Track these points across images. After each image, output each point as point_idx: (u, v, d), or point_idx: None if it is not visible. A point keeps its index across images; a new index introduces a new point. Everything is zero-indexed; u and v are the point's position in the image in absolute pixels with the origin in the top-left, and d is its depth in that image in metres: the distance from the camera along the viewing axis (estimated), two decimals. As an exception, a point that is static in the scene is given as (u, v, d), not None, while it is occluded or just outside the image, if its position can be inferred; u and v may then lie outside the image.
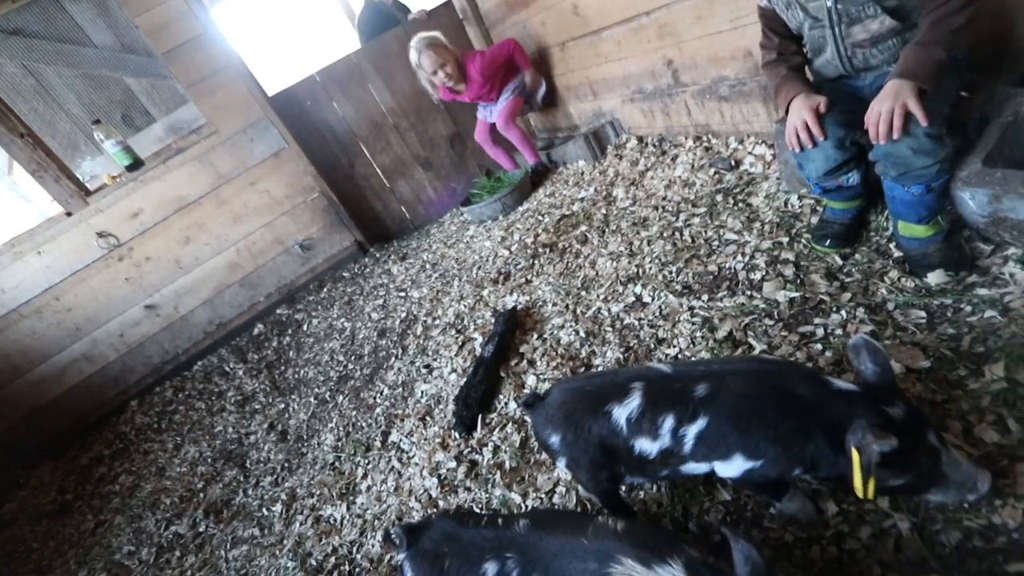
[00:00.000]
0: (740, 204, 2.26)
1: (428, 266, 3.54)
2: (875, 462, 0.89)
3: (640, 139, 3.41)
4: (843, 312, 1.55)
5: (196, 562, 2.28)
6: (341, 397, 2.76)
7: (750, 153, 2.54)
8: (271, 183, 3.90)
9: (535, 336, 2.22)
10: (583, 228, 2.81)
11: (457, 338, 2.54)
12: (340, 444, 2.44)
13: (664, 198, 2.63)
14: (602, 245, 2.57)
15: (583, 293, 2.32)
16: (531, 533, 1.12)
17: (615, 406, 1.16)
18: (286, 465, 2.58)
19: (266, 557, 2.07)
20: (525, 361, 2.13)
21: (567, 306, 2.29)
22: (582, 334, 2.06)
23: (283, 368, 3.43)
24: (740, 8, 2.28)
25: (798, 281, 1.73)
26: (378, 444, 2.26)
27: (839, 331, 1.50)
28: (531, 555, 1.06)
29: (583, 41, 3.39)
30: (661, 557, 0.89)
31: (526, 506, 1.56)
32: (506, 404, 1.97)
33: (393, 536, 1.20)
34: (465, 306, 2.77)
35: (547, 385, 1.93)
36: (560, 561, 1.01)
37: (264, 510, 2.35)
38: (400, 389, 2.50)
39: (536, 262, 2.78)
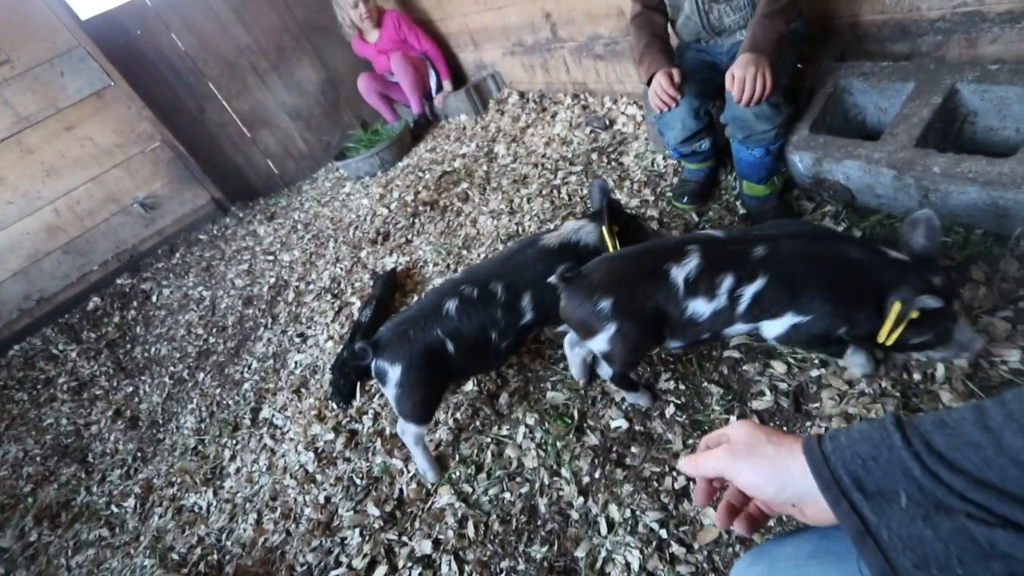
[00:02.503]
0: (613, 163, 2.34)
1: (300, 226, 3.25)
2: (910, 317, 0.97)
3: (522, 95, 3.37)
4: (697, 265, 1.69)
5: (28, 576, 1.97)
6: (202, 374, 2.48)
7: (623, 113, 2.63)
8: (95, 129, 3.25)
9: (415, 298, 2.15)
10: (464, 185, 2.74)
11: (333, 303, 2.39)
12: (203, 426, 2.21)
13: (544, 156, 2.65)
14: (483, 203, 2.54)
15: (464, 252, 2.29)
16: (470, 270, 1.48)
17: (673, 265, 1.13)
18: (138, 455, 2.28)
19: (119, 558, 1.85)
20: (406, 324, 2.06)
21: (448, 266, 2.25)
22: (463, 294, 2.04)
23: (129, 347, 2.98)
24: (613, -36, 2.28)
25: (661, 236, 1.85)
26: (247, 422, 2.08)
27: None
28: (480, 278, 1.38)
29: (461, -16, 3.21)
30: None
31: (408, 470, 1.55)
32: (386, 370, 1.90)
33: (360, 352, 1.36)
34: (341, 269, 2.60)
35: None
36: (504, 266, 1.38)
37: (113, 507, 2.08)
38: (271, 361, 2.30)
39: (416, 221, 2.67)
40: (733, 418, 1.26)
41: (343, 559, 1.43)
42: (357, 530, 1.47)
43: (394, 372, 1.35)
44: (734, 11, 1.63)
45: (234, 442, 2.03)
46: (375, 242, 2.67)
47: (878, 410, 1.14)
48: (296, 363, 2.21)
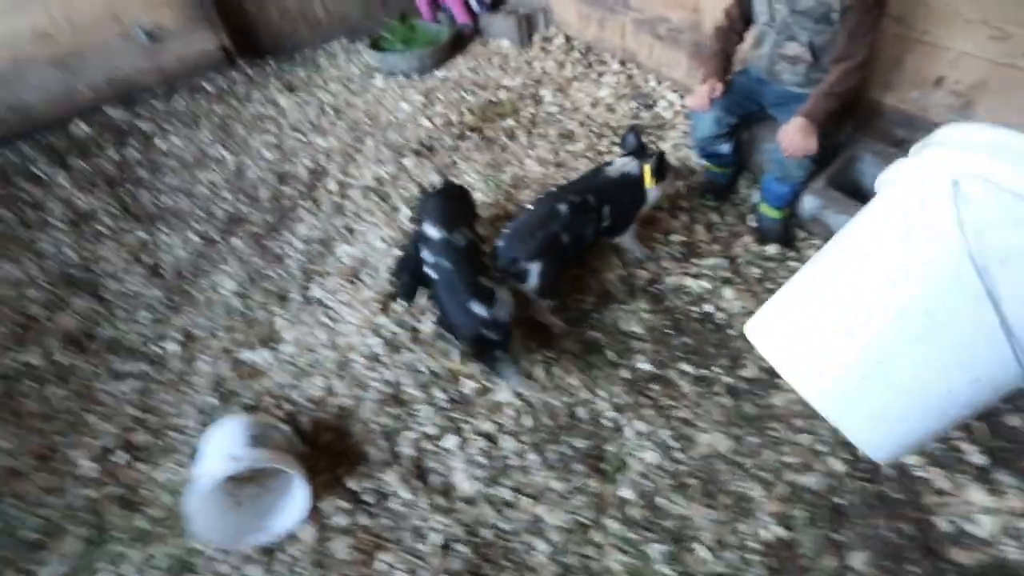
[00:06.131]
0: (652, 146, 2.69)
1: (329, 110, 3.23)
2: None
3: (568, 39, 3.49)
4: (713, 258, 2.18)
5: (65, 393, 2.10)
6: (237, 240, 2.58)
7: (664, 97, 2.94)
8: (108, -68, 2.86)
9: (469, 223, 2.43)
10: (511, 122, 2.94)
11: (380, 205, 2.57)
12: (245, 290, 2.37)
13: (588, 116, 2.91)
14: (530, 146, 2.78)
15: (512, 190, 2.56)
16: (566, 186, 2.03)
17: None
18: (167, 303, 2.40)
19: (171, 393, 2.05)
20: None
21: (497, 200, 2.52)
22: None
23: (133, 189, 2.91)
24: (706, -36, 2.49)
25: (689, 228, 2.30)
26: (297, 297, 2.29)
27: (709, 272, 2.14)
28: (577, 191, 1.93)
29: (543, -92, 3.15)
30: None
31: (466, 369, 1.94)
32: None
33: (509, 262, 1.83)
34: (386, 173, 2.74)
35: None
36: (591, 183, 1.99)
37: (152, 347, 2.23)
38: (317, 245, 2.48)
39: (462, 144, 2.85)
40: (727, 379, 1.81)
41: (414, 426, 1.83)
42: (426, 406, 1.87)
43: (533, 268, 1.81)
44: (793, 73, 2.00)
45: (285, 312, 2.25)
46: (419, 154, 2.81)
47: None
48: (345, 252, 2.42)
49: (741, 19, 2.07)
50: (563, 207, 1.85)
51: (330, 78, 3.56)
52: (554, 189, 2.02)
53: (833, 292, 0.97)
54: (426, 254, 1.82)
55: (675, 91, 2.95)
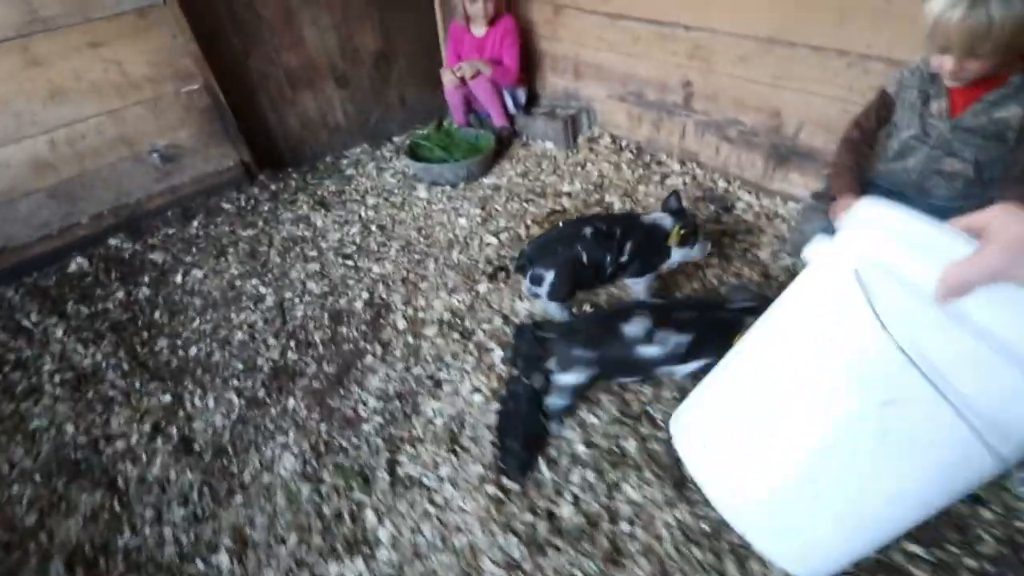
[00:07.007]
0: (749, 255, 2.48)
1: (374, 228, 2.89)
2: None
3: (615, 139, 3.36)
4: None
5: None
6: (292, 400, 2.12)
7: (740, 199, 2.78)
8: (126, 53, 2.56)
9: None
10: (585, 234, 2.68)
11: (465, 345, 2.20)
12: (313, 470, 1.90)
13: (668, 223, 2.69)
14: (616, 262, 2.52)
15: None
16: (595, 216, 2.27)
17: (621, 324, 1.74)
18: (205, 490, 1.90)
19: None
20: (572, 392, 1.99)
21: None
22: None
23: (148, 337, 2.43)
24: (787, 72, 2.41)
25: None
26: (384, 476, 1.85)
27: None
28: (605, 222, 2.07)
29: (590, 17, 3.10)
30: None
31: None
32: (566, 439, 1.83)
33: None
34: (460, 302, 2.39)
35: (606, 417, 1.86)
36: (620, 221, 2.12)
37: (195, 560, 1.71)
38: (397, 403, 2.06)
39: (538, 263, 2.55)
40: None
41: (591, 669, 1.38)
42: (602, 636, 1.42)
43: (548, 276, 1.97)
44: (949, 189, 1.84)
45: (372, 498, 1.79)
46: (494, 277, 2.49)
47: (1091, 574, 1.42)
48: (434, 410, 2.01)
49: (877, 129, 1.93)
50: (588, 230, 1.98)
51: (365, 190, 3.26)
52: (587, 215, 2.26)
53: (748, 389, 0.90)
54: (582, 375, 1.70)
55: (750, 192, 2.80)
